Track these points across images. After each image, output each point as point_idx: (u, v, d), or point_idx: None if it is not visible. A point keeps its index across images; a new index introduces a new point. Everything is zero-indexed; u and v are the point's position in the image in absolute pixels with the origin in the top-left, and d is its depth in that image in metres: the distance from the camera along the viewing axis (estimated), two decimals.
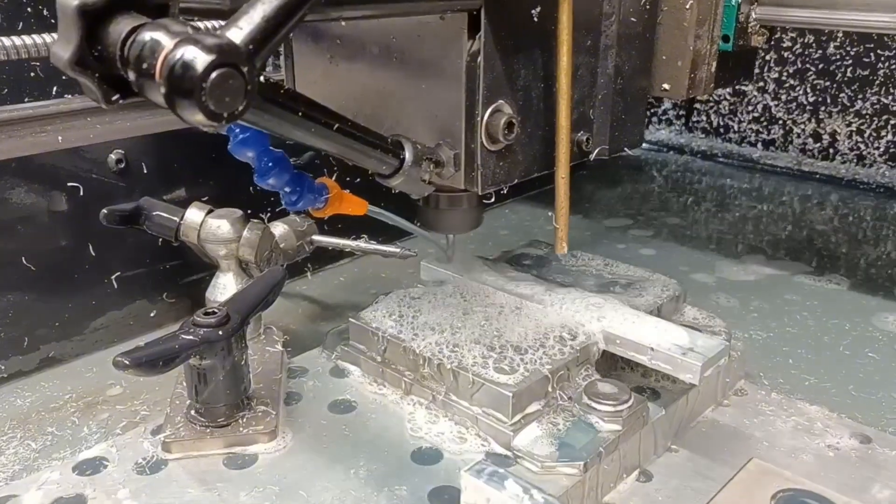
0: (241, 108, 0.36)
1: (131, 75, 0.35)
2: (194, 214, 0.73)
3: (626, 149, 0.71)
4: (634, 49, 0.67)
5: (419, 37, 0.59)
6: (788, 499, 0.55)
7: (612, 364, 0.71)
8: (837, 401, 0.73)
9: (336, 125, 0.50)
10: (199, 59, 0.33)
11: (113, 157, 0.83)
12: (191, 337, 0.58)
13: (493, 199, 0.65)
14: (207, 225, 0.72)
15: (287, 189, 0.61)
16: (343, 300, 0.96)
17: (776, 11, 0.72)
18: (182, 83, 0.33)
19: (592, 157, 0.68)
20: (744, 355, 0.74)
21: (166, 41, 0.34)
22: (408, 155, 0.57)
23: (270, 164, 0.59)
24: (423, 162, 0.58)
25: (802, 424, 0.67)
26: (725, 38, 0.72)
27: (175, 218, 0.74)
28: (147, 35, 0.34)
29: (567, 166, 0.62)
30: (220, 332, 0.59)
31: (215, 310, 0.60)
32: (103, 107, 0.37)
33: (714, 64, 0.71)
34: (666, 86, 0.71)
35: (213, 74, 0.33)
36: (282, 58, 0.72)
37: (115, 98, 0.37)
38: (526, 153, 0.62)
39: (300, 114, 0.46)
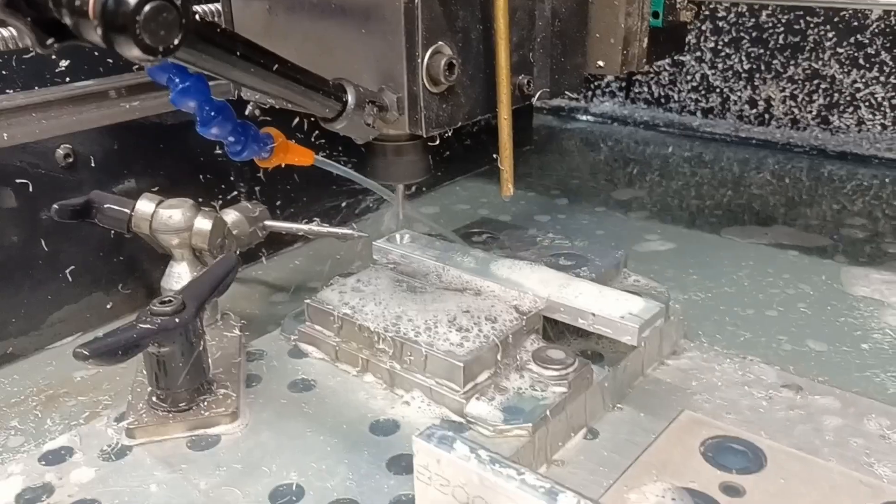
0: (176, 42, 0.37)
1: (66, 16, 0.36)
2: (145, 206, 0.74)
3: (566, 92, 0.72)
4: None
5: None
6: (716, 445, 0.59)
7: (563, 333, 0.74)
8: (771, 354, 0.78)
9: (276, 66, 0.50)
10: None
11: (61, 151, 0.83)
12: (148, 326, 0.59)
13: (437, 142, 0.66)
14: (159, 215, 0.73)
15: (231, 139, 0.59)
16: (299, 283, 0.98)
17: None
18: (116, 19, 0.35)
19: (534, 99, 0.69)
20: (683, 316, 0.78)
21: None
22: (350, 98, 0.57)
23: (213, 114, 0.57)
24: (365, 105, 0.58)
25: (737, 377, 0.71)
26: (655, 15, 0.76)
27: (126, 210, 0.75)
28: None
29: (509, 107, 0.64)
30: (177, 320, 0.60)
31: (171, 298, 0.62)
32: (38, 51, 0.38)
33: (645, 40, 0.74)
34: (601, 63, 0.74)
35: (146, 8, 0.35)
36: (221, 17, 0.73)
37: (49, 42, 0.37)
38: (468, 96, 0.63)
39: (238, 54, 0.46)
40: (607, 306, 0.69)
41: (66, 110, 0.90)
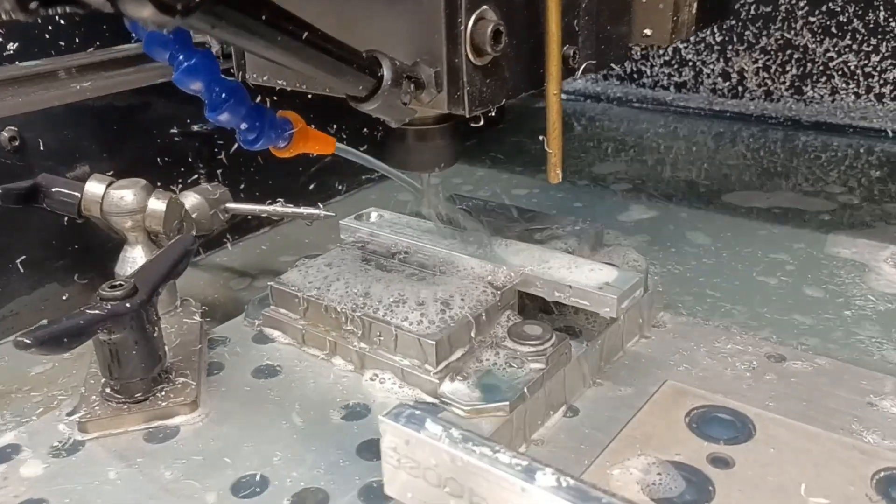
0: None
1: None
2: (95, 187, 0.70)
3: (612, 64, 0.66)
4: None
5: None
6: (702, 414, 0.57)
7: (542, 308, 0.71)
8: (753, 324, 0.76)
9: (305, 34, 0.42)
10: None
11: (6, 134, 0.78)
12: (96, 311, 0.55)
13: (481, 123, 0.57)
14: (110, 197, 0.69)
15: (244, 125, 0.52)
16: (266, 268, 0.94)
17: None
18: None
19: (579, 73, 0.62)
20: (662, 288, 0.76)
21: None
22: (386, 72, 0.49)
23: (224, 96, 0.49)
24: (402, 81, 0.50)
25: (719, 348, 0.69)
26: None
27: (76, 193, 0.71)
28: None
29: (559, 81, 0.57)
30: (128, 305, 0.57)
31: (122, 282, 0.58)
32: (21, 18, 0.31)
33: (695, 4, 0.68)
34: (647, 31, 0.67)
35: None
36: None
37: (33, 5, 0.31)
38: (513, 69, 0.56)
39: (264, 19, 0.38)
40: (584, 278, 0.66)
41: (11, 91, 0.85)
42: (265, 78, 0.64)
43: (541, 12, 0.55)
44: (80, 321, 0.54)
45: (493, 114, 0.57)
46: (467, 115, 0.54)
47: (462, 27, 0.51)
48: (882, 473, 0.51)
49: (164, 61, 0.48)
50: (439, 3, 0.51)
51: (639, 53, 1.51)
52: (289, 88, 0.62)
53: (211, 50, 0.51)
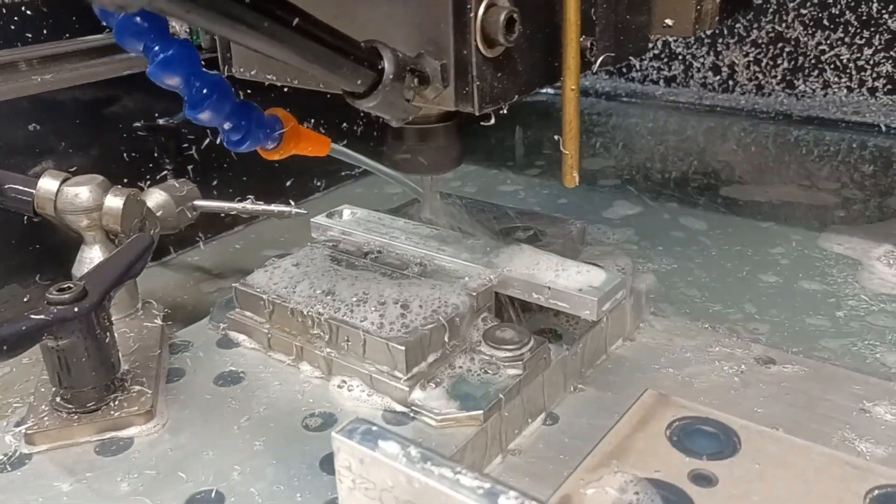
0: None
1: None
2: (48, 184, 0.66)
3: (631, 57, 0.61)
4: None
5: None
6: (684, 427, 0.54)
7: (525, 310, 0.68)
8: (741, 325, 0.73)
9: (295, 20, 0.37)
10: None
11: None
12: (41, 316, 0.52)
13: (492, 121, 0.53)
14: (64, 194, 0.66)
15: (228, 125, 0.47)
16: (239, 268, 0.91)
17: None
18: None
19: (595, 67, 0.57)
20: (648, 288, 0.73)
21: None
22: (387, 65, 0.44)
23: (205, 91, 0.44)
24: (405, 75, 0.46)
25: (707, 351, 0.66)
26: None
27: (30, 189, 0.67)
28: None
29: (577, 75, 0.52)
30: (76, 309, 0.53)
31: (70, 285, 0.54)
32: None
33: None
34: (669, 21, 0.63)
35: None
36: None
37: None
38: (526, 62, 0.51)
39: (248, 2, 0.34)
40: (564, 279, 0.62)
41: None
42: (253, 72, 0.60)
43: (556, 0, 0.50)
44: (22, 327, 0.51)
45: (505, 111, 0.52)
46: (477, 113, 0.50)
47: (472, 14, 0.46)
48: (876, 491, 0.48)
49: (138, 53, 0.43)
50: None
51: None
52: (279, 83, 0.58)
53: (187, 39, 0.46)
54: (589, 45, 0.55)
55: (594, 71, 0.57)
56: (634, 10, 0.60)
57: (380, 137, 1.08)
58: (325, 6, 0.49)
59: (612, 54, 0.58)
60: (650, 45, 0.65)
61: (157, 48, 0.42)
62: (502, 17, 0.47)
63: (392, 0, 0.49)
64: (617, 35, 0.59)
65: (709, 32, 1.37)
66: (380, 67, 0.44)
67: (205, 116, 0.45)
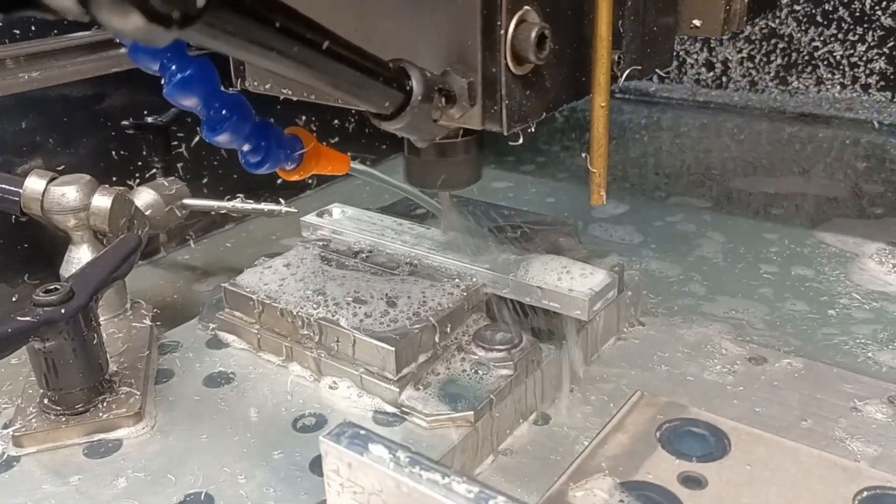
0: (201, 5, 0.24)
1: None
2: (35, 183, 0.65)
3: (657, 70, 0.59)
4: None
5: None
6: (674, 429, 0.53)
7: (520, 310, 0.68)
8: (733, 325, 0.73)
9: (325, 43, 0.35)
10: None
11: None
12: (27, 318, 0.51)
13: (520, 141, 0.51)
14: (51, 194, 0.65)
15: (247, 147, 0.45)
16: (230, 267, 0.90)
17: None
18: None
19: (621, 80, 0.55)
20: (640, 287, 0.72)
21: None
22: (416, 85, 0.42)
23: (224, 112, 0.42)
24: (433, 95, 0.44)
25: (699, 350, 0.66)
26: None
27: (17, 189, 0.66)
28: None
29: (607, 91, 0.50)
30: (63, 311, 0.52)
31: (57, 286, 0.54)
32: None
33: None
34: (697, 22, 0.61)
35: None
36: None
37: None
38: (554, 78, 0.49)
39: (278, 26, 0.31)
40: (555, 279, 0.62)
41: None
42: (268, 86, 0.58)
43: (586, 13, 0.49)
44: (7, 329, 0.50)
45: (532, 130, 0.50)
46: (505, 133, 0.47)
47: (502, 31, 0.45)
48: (865, 493, 0.48)
49: (154, 72, 0.41)
50: (475, 2, 0.44)
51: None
52: (295, 98, 0.56)
53: (206, 58, 0.44)
54: (616, 58, 0.54)
55: (619, 83, 0.55)
56: (661, 13, 0.59)
57: (372, 135, 1.07)
58: (346, 21, 0.49)
59: (639, 67, 0.57)
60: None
61: (174, 67, 0.41)
62: (533, 33, 0.45)
63: (416, 15, 0.47)
64: (644, 47, 0.57)
65: None
66: (408, 88, 0.42)
67: (223, 139, 0.43)
